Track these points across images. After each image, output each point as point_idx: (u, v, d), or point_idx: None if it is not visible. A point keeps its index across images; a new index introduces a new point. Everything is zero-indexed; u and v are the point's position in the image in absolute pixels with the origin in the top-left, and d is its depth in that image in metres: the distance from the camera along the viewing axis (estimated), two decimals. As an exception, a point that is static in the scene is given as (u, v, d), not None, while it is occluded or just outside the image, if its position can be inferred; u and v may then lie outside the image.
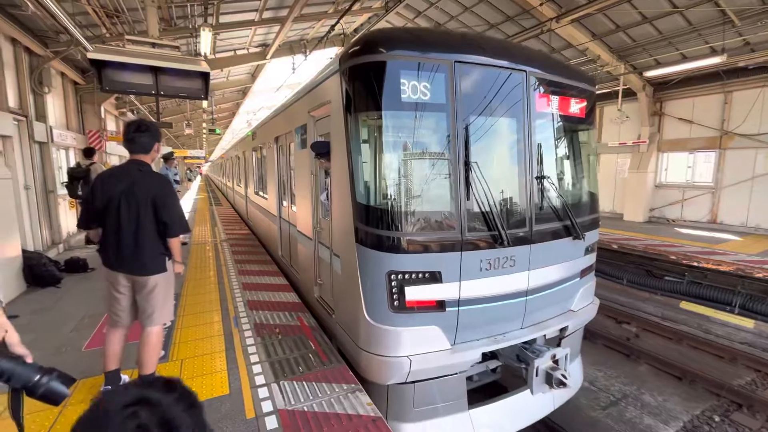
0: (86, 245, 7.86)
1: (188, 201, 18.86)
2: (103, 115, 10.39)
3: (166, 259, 2.70)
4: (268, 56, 12.52)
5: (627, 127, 12.77)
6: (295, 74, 13.66)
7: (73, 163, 8.80)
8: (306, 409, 2.73)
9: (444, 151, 2.91)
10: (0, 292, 4.58)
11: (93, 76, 8.04)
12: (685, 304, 7.77)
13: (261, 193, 7.81)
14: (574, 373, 3.78)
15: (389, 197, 2.85)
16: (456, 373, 3.00)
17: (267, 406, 2.75)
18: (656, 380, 5.36)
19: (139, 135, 2.57)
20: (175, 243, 2.74)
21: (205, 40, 6.34)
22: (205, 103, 14.82)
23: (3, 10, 5.67)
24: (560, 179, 3.55)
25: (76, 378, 1.24)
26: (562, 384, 2.98)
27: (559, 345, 3.45)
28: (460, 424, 3.03)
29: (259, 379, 3.10)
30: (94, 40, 6.93)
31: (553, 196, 3.35)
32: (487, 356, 3.20)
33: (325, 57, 12.88)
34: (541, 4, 9.03)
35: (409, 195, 2.88)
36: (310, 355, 3.49)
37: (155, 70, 4.85)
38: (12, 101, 6.50)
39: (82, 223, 2.66)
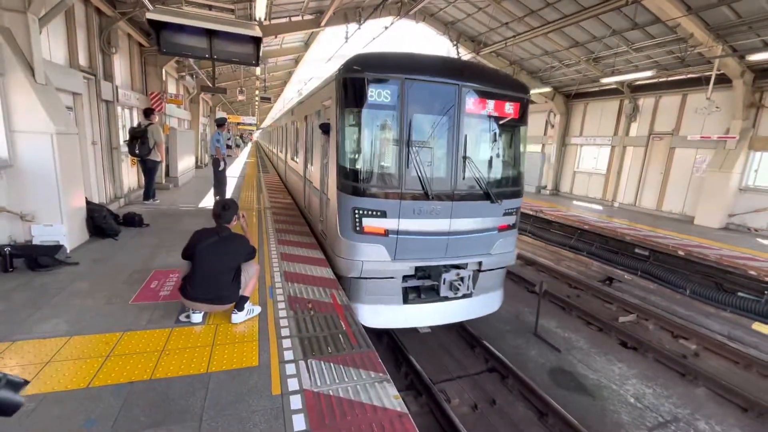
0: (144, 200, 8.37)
1: (238, 167, 19.61)
2: (164, 78, 10.82)
3: (239, 293, 3.53)
4: (323, 23, 12.27)
5: (713, 120, 11.20)
6: (348, 44, 13.34)
7: (135, 123, 9.31)
8: (331, 393, 2.66)
9: (394, 135, 4.37)
10: (66, 240, 4.99)
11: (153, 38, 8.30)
12: (758, 326, 6.87)
13: (295, 158, 9.28)
14: (494, 300, 5.36)
15: (356, 162, 4.46)
16: (394, 278, 4.59)
17: (293, 384, 2.72)
18: (716, 407, 4.80)
19: (224, 212, 3.56)
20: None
21: (260, 4, 6.22)
22: (258, 71, 15.00)
23: (75, -32, 5.87)
24: (482, 160, 4.82)
25: (28, 380, 1.11)
26: (456, 290, 4.77)
27: (479, 272, 5.01)
28: (396, 311, 4.70)
29: (288, 355, 3.08)
30: (157, 2, 7.06)
31: (474, 170, 4.63)
32: (425, 276, 4.82)
33: (380, 26, 12.36)
34: (628, -29, 7.90)
35: (369, 161, 4.50)
36: (340, 336, 3.42)
37: (210, 34, 4.83)
38: (82, 60, 6.86)
39: (183, 255, 3.52)
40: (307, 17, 12.60)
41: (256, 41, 4.92)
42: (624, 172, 14.64)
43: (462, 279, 4.75)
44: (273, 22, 11.84)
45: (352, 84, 4.34)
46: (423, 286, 4.85)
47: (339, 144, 4.49)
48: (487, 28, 13.59)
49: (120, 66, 8.61)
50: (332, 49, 16.71)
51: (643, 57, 11.83)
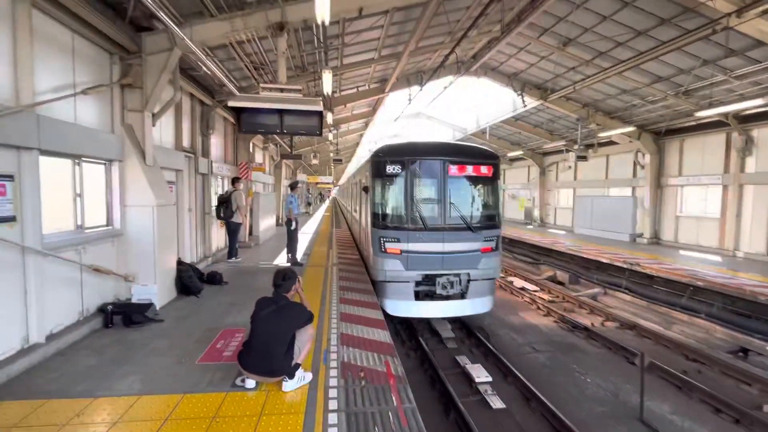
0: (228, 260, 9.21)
1: (313, 224, 20.92)
2: (251, 149, 12.39)
3: (292, 363, 3.50)
4: (387, 90, 13.19)
5: None
6: (411, 105, 14.04)
7: (224, 190, 10.61)
8: (374, 488, 2.34)
9: (404, 192, 6.86)
10: (156, 299, 5.59)
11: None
12: None
13: (355, 210, 12.05)
14: (484, 303, 7.17)
15: (381, 209, 7.14)
16: (408, 282, 6.73)
17: (334, 472, 2.46)
18: None
19: (284, 282, 3.70)
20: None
21: (327, 81, 6.94)
22: (330, 136, 16.42)
23: (184, 72, 7.26)
24: (463, 204, 6.99)
25: None
26: (446, 288, 6.76)
27: (468, 282, 6.93)
28: (410, 305, 6.81)
29: (333, 433, 2.86)
30: (244, 89, 8.31)
31: (457, 211, 6.86)
32: (431, 283, 6.79)
33: (440, 85, 12.88)
34: (713, -2, 7.18)
35: (388, 209, 7.17)
36: (390, 414, 3.10)
37: (280, 112, 5.42)
38: (185, 142, 8.21)
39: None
40: (373, 86, 13.71)
41: (319, 114, 5.38)
42: (745, 215, 12.23)
43: (452, 283, 6.77)
44: (343, 93, 13.09)
45: (378, 163, 7.01)
46: (429, 291, 6.87)
47: (371, 198, 7.19)
48: (553, 74, 13.27)
49: (215, 143, 10.11)
50: (397, 108, 17.77)
51: (749, 84, 10.29)
